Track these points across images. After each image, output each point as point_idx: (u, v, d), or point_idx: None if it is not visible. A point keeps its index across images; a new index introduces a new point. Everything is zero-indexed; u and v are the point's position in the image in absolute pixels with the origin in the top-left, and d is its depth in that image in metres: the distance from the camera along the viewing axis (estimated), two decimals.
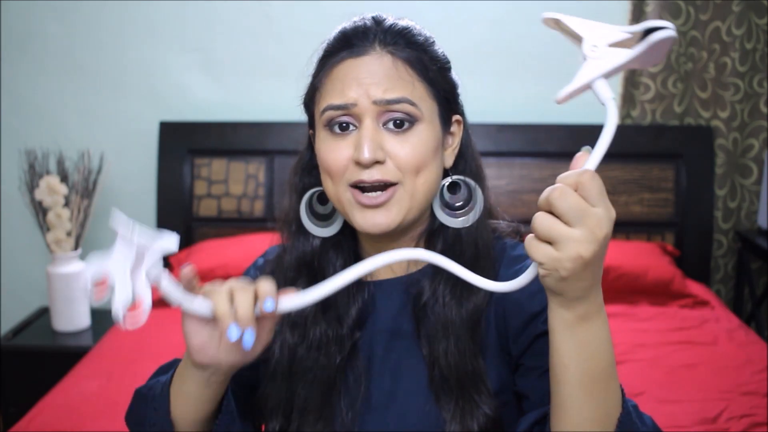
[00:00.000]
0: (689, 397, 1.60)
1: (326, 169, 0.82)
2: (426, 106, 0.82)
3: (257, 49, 2.42)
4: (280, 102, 2.41)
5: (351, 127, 0.80)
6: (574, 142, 2.34)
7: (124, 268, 0.64)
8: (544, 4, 2.36)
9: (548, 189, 0.61)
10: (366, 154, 0.77)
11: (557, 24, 0.64)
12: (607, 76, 0.61)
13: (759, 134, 2.38)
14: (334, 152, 0.80)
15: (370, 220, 0.79)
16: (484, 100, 2.35)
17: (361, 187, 0.79)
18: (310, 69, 0.86)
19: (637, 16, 2.31)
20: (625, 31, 0.61)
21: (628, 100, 2.38)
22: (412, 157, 0.79)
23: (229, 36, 2.41)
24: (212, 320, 0.69)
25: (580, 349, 0.66)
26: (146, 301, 0.64)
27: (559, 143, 2.35)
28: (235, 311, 0.66)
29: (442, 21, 2.31)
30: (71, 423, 1.52)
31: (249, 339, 0.67)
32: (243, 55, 2.43)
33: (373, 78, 0.79)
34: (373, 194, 0.79)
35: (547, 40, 2.39)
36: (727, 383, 1.65)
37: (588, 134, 2.42)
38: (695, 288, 2.21)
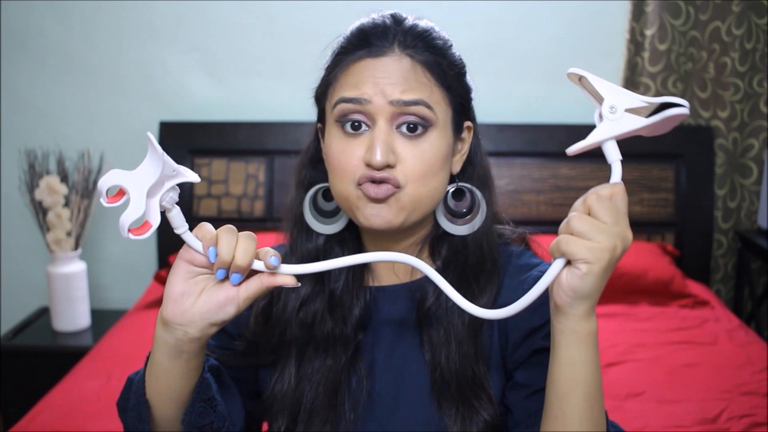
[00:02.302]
0: (689, 397, 1.60)
1: (335, 168, 0.81)
2: (441, 111, 0.81)
3: (257, 49, 2.42)
4: (280, 102, 2.41)
5: (363, 127, 0.79)
6: (574, 142, 2.35)
7: (144, 185, 0.65)
8: (544, 4, 2.37)
9: (588, 195, 0.65)
10: (378, 157, 0.76)
11: (580, 81, 0.67)
12: (619, 138, 0.66)
13: (759, 134, 2.38)
14: (345, 153, 0.79)
15: (373, 212, 0.78)
16: (484, 100, 2.33)
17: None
18: (323, 62, 0.85)
19: (637, 16, 2.31)
20: (643, 100, 0.65)
21: None
22: (421, 164, 0.78)
23: (229, 36, 2.41)
24: (199, 269, 0.70)
25: (590, 364, 0.68)
26: (155, 223, 0.66)
27: (559, 143, 2.34)
28: (234, 255, 0.67)
29: (441, 21, 2.29)
30: (71, 423, 1.52)
31: (236, 278, 0.69)
32: (243, 55, 2.42)
33: (391, 78, 0.78)
34: (377, 187, 0.78)
35: (546, 40, 2.40)
36: (727, 383, 1.65)
37: (587, 134, 2.42)
38: (695, 288, 2.21)
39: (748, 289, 2.39)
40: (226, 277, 0.70)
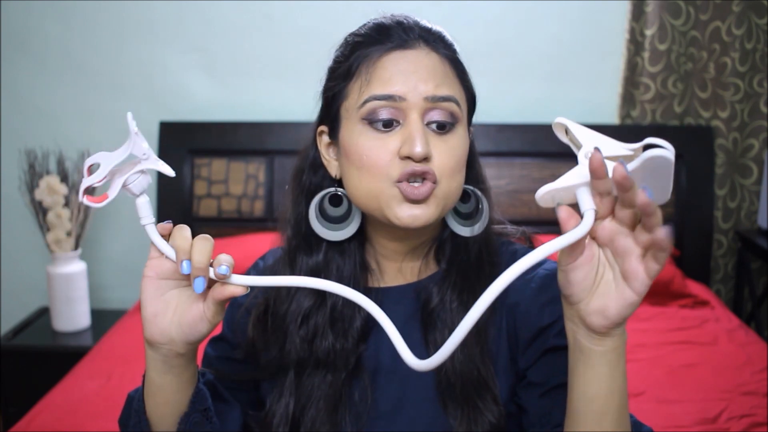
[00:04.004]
0: (689, 397, 1.60)
1: (365, 164, 0.78)
2: (464, 109, 0.81)
3: (257, 49, 2.42)
4: (280, 102, 2.41)
5: (395, 124, 0.78)
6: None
7: (114, 160, 0.68)
8: (544, 4, 2.37)
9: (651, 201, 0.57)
10: (419, 148, 0.75)
11: (566, 133, 0.64)
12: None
13: (759, 134, 2.38)
14: (377, 148, 0.77)
15: (408, 212, 0.77)
16: (484, 100, 2.33)
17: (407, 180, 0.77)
18: (329, 63, 0.84)
19: (637, 16, 2.31)
20: (627, 147, 0.60)
21: (628, 100, 2.38)
22: (453, 160, 0.78)
23: (229, 36, 2.41)
24: (165, 284, 0.71)
25: (624, 372, 0.67)
26: (111, 195, 0.69)
27: (559, 143, 2.32)
28: (191, 253, 0.67)
29: (441, 21, 2.29)
30: (71, 423, 1.52)
31: (199, 285, 0.67)
32: (243, 55, 2.42)
33: (422, 73, 0.77)
34: (417, 184, 0.76)
35: (547, 40, 2.40)
36: (727, 383, 1.65)
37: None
38: (695, 288, 2.21)
39: (748, 289, 2.39)
40: (199, 293, 0.69)
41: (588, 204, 0.60)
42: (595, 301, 0.63)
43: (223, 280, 0.67)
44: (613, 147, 0.61)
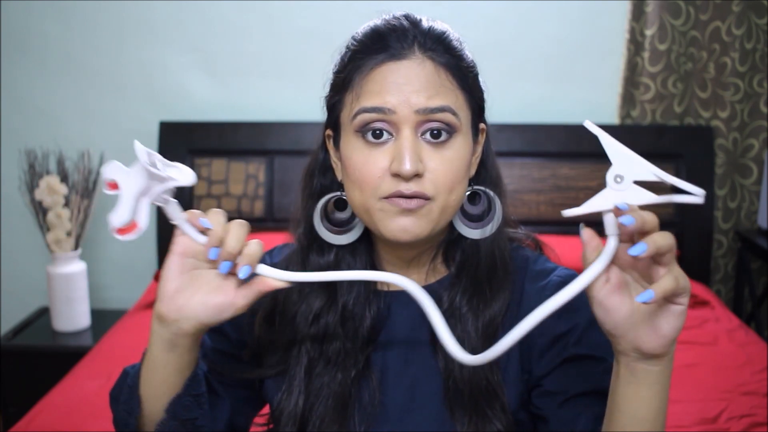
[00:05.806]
0: (689, 397, 1.60)
1: (356, 179, 0.77)
2: (464, 116, 0.78)
3: (257, 49, 2.42)
4: (280, 102, 2.41)
5: (386, 135, 0.76)
6: (574, 142, 2.35)
7: (134, 188, 0.67)
8: (544, 4, 2.37)
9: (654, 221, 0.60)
10: (408, 167, 0.73)
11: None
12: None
13: (759, 134, 2.38)
14: (368, 163, 0.76)
15: (400, 225, 0.76)
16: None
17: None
18: (331, 66, 0.82)
19: (637, 16, 2.31)
20: (655, 174, 0.60)
21: (628, 100, 2.38)
22: (449, 173, 0.76)
23: (229, 36, 2.41)
24: (192, 262, 0.72)
25: (667, 395, 0.69)
26: (141, 225, 0.68)
27: (559, 143, 2.35)
28: (225, 239, 0.69)
29: (441, 21, 2.29)
30: (71, 423, 1.52)
31: (225, 267, 0.69)
32: (243, 55, 2.42)
33: (414, 85, 0.75)
34: (408, 200, 0.75)
35: (547, 40, 2.40)
36: (727, 383, 1.65)
37: (587, 134, 2.42)
38: (695, 288, 2.20)
39: (748, 289, 2.39)
40: (227, 274, 0.71)
41: (612, 230, 0.60)
42: (643, 327, 0.64)
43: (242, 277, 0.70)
44: (642, 171, 0.60)
